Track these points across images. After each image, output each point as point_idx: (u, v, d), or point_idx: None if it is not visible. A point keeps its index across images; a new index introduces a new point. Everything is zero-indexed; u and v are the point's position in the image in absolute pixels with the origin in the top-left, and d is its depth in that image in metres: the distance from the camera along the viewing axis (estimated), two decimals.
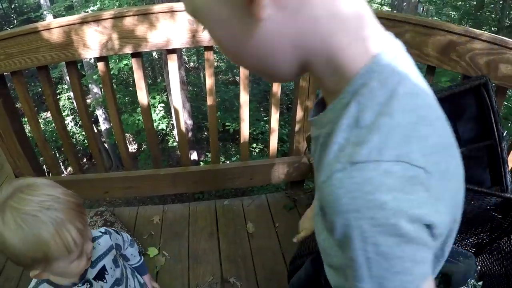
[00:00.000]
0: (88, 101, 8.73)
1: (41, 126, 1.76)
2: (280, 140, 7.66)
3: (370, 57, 0.34)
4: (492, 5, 6.43)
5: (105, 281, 0.83)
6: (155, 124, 6.33)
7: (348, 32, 0.33)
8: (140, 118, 7.31)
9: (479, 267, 1.49)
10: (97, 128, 9.20)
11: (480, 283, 1.41)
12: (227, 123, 7.98)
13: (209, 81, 1.67)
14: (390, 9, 9.91)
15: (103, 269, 0.84)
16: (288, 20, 0.32)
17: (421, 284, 0.35)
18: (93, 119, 8.20)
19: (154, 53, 9.34)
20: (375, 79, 0.33)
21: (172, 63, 1.60)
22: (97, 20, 1.39)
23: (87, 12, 6.23)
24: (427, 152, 0.32)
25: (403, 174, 0.31)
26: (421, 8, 10.45)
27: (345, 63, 0.34)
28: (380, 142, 0.31)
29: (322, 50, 0.34)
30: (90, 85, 8.63)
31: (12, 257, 0.66)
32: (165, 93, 7.75)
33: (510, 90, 1.57)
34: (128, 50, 1.48)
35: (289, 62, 0.36)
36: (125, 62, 6.48)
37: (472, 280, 1.37)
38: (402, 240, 0.31)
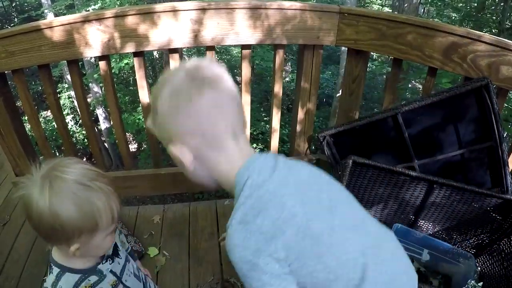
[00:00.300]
0: (89, 100, 8.72)
1: (41, 124, 1.76)
2: (281, 140, 7.65)
3: (235, 173, 0.60)
4: (492, 7, 6.44)
5: (120, 257, 0.86)
6: None
7: (229, 163, 0.61)
8: (140, 117, 7.30)
9: (479, 268, 1.49)
10: (97, 127, 9.20)
11: (480, 284, 1.41)
12: None
13: None
14: (390, 10, 9.92)
15: (116, 246, 0.86)
16: (203, 167, 0.62)
17: None
18: (93, 118, 8.19)
19: (155, 53, 9.34)
20: (236, 186, 0.60)
21: (174, 62, 1.60)
22: (99, 19, 1.39)
23: (88, 11, 6.23)
24: (256, 213, 0.55)
25: (243, 229, 0.54)
26: (422, 10, 10.47)
27: (229, 181, 0.62)
28: (232, 216, 0.57)
29: (220, 177, 0.63)
30: (90, 84, 8.62)
31: (60, 228, 0.64)
32: None
33: (511, 92, 1.57)
34: (130, 49, 1.48)
35: (210, 182, 0.65)
36: (125, 61, 6.48)
37: (472, 281, 1.37)
38: (250, 265, 0.53)
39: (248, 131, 1.83)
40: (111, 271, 0.81)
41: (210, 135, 0.58)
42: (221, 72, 0.60)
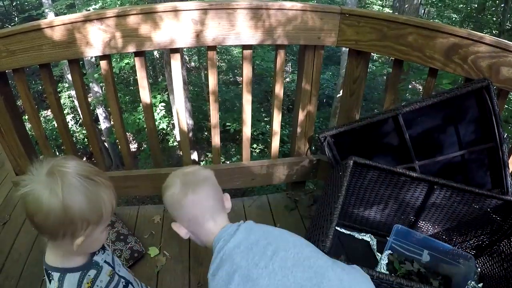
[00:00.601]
0: (89, 99, 8.71)
1: (42, 124, 1.76)
2: (281, 141, 7.64)
3: (212, 239, 0.86)
4: (493, 8, 6.44)
5: (108, 250, 0.89)
6: (156, 123, 6.29)
7: (209, 235, 0.87)
8: (141, 117, 7.30)
9: (479, 269, 1.49)
10: (97, 127, 9.20)
11: (480, 285, 1.41)
12: (227, 123, 7.98)
13: (212, 81, 1.67)
14: (391, 11, 9.92)
15: None
16: (194, 236, 0.90)
17: None
18: (93, 118, 8.17)
19: (155, 53, 9.34)
20: (212, 249, 0.84)
21: (175, 62, 1.61)
22: (100, 18, 1.39)
23: (89, 10, 6.23)
24: (218, 268, 0.78)
25: (214, 279, 0.78)
26: (422, 11, 10.48)
27: (210, 245, 0.86)
28: (209, 270, 0.81)
29: (205, 242, 0.89)
30: (90, 83, 8.62)
31: (69, 221, 0.65)
32: (166, 93, 7.75)
33: (511, 93, 1.57)
34: (131, 48, 1.48)
35: (200, 244, 0.91)
36: (126, 61, 6.48)
37: (472, 282, 1.37)
38: None
39: (248, 130, 1.84)
40: (105, 261, 0.84)
41: (194, 220, 0.88)
42: (202, 176, 0.90)
